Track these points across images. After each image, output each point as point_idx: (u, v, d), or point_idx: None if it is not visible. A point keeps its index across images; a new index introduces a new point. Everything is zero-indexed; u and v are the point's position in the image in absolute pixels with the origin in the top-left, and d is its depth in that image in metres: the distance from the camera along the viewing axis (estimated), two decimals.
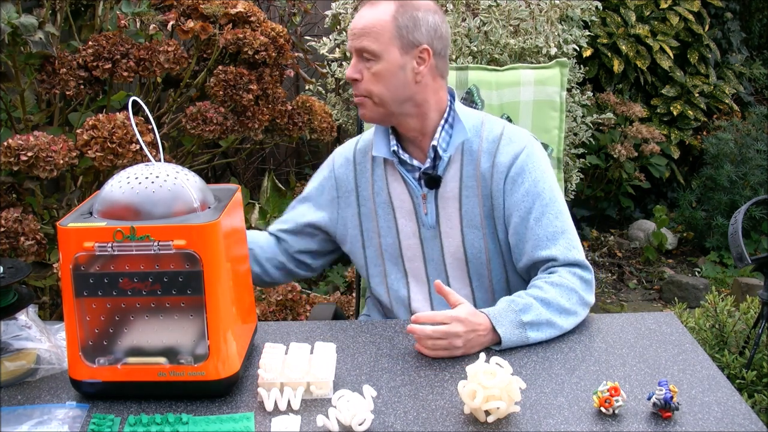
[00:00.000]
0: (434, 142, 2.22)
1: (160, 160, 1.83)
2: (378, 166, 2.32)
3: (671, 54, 6.08)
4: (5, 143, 2.78)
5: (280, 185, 4.46)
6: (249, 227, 3.93)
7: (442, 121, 2.24)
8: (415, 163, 2.26)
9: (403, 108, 2.19)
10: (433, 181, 2.24)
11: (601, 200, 6.18)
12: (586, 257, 2.19)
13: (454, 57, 4.02)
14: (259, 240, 2.42)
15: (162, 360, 1.72)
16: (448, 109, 2.25)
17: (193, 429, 1.64)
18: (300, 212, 2.43)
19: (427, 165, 2.24)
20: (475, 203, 2.24)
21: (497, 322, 1.97)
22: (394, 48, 2.14)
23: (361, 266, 2.39)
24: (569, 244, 2.16)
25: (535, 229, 2.18)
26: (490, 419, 1.64)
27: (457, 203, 2.25)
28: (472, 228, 2.25)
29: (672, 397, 1.64)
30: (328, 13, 4.65)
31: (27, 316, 1.89)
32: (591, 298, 2.13)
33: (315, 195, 2.43)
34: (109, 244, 1.64)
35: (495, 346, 1.98)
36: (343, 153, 2.42)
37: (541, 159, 2.26)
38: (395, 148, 2.26)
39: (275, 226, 2.45)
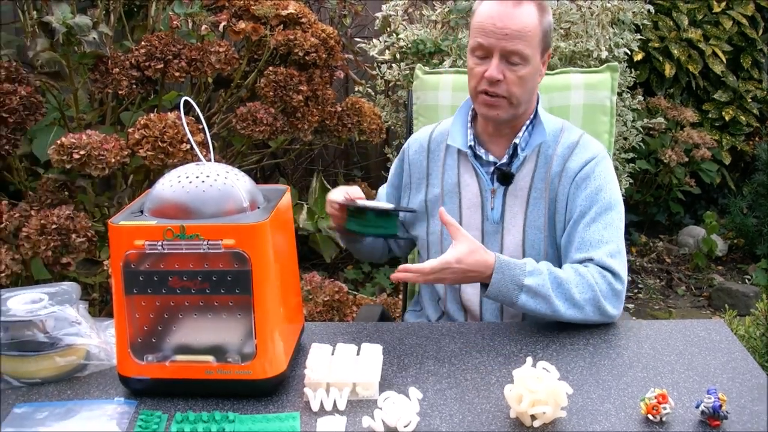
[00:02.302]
0: (516, 140, 2.24)
1: (210, 160, 1.85)
2: (451, 156, 2.34)
3: (724, 58, 6.01)
4: (58, 142, 2.82)
5: (328, 186, 4.47)
6: (297, 228, 3.94)
7: (527, 121, 2.26)
8: (491, 158, 2.28)
9: (523, 109, 2.23)
10: (506, 177, 2.25)
11: (650, 205, 6.13)
12: (634, 263, 2.18)
13: None
14: None
15: (209, 358, 1.73)
16: (534, 110, 2.28)
17: (239, 427, 1.65)
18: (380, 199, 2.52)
19: (504, 161, 2.26)
20: (541, 205, 2.25)
21: (499, 269, 2.02)
22: (537, 52, 2.17)
23: (423, 250, 2.41)
24: (611, 252, 2.14)
25: (582, 232, 2.17)
26: (536, 424, 1.63)
27: (524, 203, 2.26)
28: (535, 229, 2.26)
29: (721, 406, 1.62)
30: (379, 15, 4.65)
31: (77, 313, 1.91)
32: (611, 310, 2.09)
33: (393, 184, 2.51)
34: (159, 243, 1.66)
35: (482, 291, 2.09)
36: (418, 139, 2.45)
37: (608, 170, 2.26)
38: (472, 143, 2.28)
39: None
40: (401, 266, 2.03)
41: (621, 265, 2.15)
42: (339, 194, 2.20)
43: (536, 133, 2.25)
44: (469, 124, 2.31)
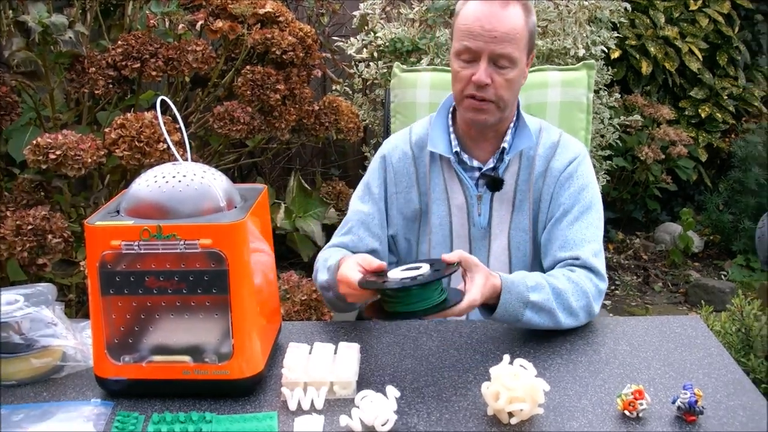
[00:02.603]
0: (504, 144, 2.23)
1: (187, 160, 1.84)
2: (435, 162, 2.30)
3: (700, 56, 6.05)
4: (34, 142, 2.81)
5: (306, 185, 4.47)
6: (274, 227, 3.93)
7: (511, 124, 2.25)
8: (475, 163, 2.26)
9: (508, 112, 2.21)
10: (495, 183, 2.23)
11: (627, 202, 6.15)
12: (611, 260, 2.19)
13: None
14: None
15: (186, 358, 1.73)
16: (516, 112, 2.27)
17: (216, 428, 1.64)
18: (360, 236, 2.31)
19: (490, 166, 2.25)
20: (526, 207, 2.25)
21: (506, 289, 1.95)
22: (524, 54, 2.16)
23: (409, 257, 2.38)
24: (594, 252, 2.15)
25: (565, 231, 2.18)
26: (514, 421, 1.64)
27: (510, 206, 2.26)
28: (521, 231, 2.26)
29: (697, 401, 1.63)
30: (356, 13, 4.65)
31: (53, 314, 1.90)
32: (597, 309, 2.12)
33: (374, 199, 2.33)
34: (136, 243, 1.65)
35: (484, 314, 1.98)
36: (398, 147, 2.35)
37: (590, 169, 2.27)
38: (457, 149, 2.25)
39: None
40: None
41: (603, 264, 2.16)
42: (352, 270, 1.90)
43: (522, 136, 2.23)
44: (451, 129, 2.28)
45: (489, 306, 1.96)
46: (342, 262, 1.98)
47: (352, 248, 2.27)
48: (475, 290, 1.86)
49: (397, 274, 1.83)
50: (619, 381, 1.81)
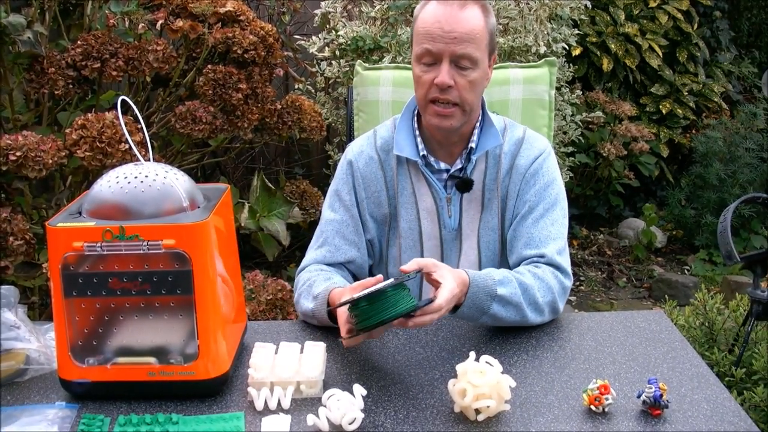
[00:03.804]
0: (472, 145, 2.22)
1: (149, 160, 1.83)
2: (401, 166, 2.28)
3: (660, 53, 6.09)
4: None
5: (269, 184, 4.45)
6: (238, 227, 3.92)
7: (477, 124, 2.24)
8: (443, 165, 2.25)
9: (472, 114, 2.20)
10: (465, 185, 2.23)
11: (590, 199, 6.19)
12: (576, 255, 2.20)
13: None
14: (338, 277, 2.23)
15: (152, 360, 1.72)
16: (481, 112, 2.26)
17: (183, 428, 1.64)
18: (337, 245, 2.29)
19: (457, 167, 2.24)
20: (494, 206, 2.25)
21: (473, 283, 1.96)
22: (485, 55, 2.15)
23: (380, 264, 2.38)
24: (559, 249, 2.17)
25: (530, 228, 2.19)
26: (480, 418, 1.64)
27: (479, 206, 2.26)
28: (489, 230, 2.26)
29: (662, 395, 1.65)
30: (318, 12, 4.65)
31: (16, 316, 1.89)
32: (561, 307, 2.13)
33: (345, 205, 2.30)
34: (98, 244, 1.64)
35: (451, 309, 1.95)
36: (363, 152, 2.33)
37: (555, 165, 2.28)
38: (424, 152, 2.24)
39: (333, 259, 2.28)
40: (420, 312, 1.81)
41: (568, 262, 2.18)
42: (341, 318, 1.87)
43: (488, 136, 2.23)
44: (416, 132, 2.27)
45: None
46: (333, 297, 1.99)
47: (329, 260, 2.26)
48: (448, 283, 1.86)
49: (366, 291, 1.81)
50: (584, 376, 1.82)
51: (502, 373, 1.67)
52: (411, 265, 1.86)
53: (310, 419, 1.62)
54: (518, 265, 2.19)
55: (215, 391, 1.77)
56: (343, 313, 1.85)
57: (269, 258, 4.39)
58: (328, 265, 2.25)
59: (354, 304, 1.79)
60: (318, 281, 2.13)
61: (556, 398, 1.74)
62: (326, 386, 1.76)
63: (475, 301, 1.96)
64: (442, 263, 1.93)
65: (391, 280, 1.80)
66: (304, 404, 1.73)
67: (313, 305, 2.07)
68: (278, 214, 4.38)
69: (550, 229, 2.18)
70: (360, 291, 1.81)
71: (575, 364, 1.90)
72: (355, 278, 2.30)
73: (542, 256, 2.14)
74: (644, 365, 1.88)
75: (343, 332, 1.83)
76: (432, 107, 2.14)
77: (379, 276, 1.89)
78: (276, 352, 1.86)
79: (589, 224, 6.24)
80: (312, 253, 2.29)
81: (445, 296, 1.83)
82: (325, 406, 1.65)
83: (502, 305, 1.99)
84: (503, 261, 2.28)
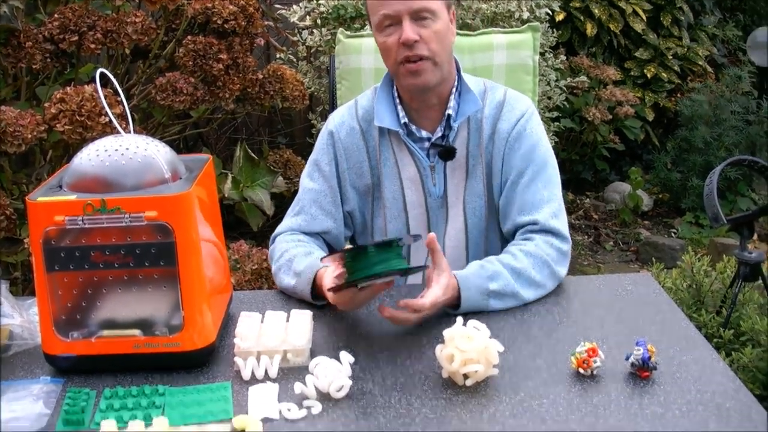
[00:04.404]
0: (449, 111, 2.20)
1: (129, 132, 1.82)
2: (383, 136, 2.27)
3: (644, 17, 6.08)
4: None
5: (252, 155, 4.44)
6: (222, 198, 3.91)
7: (453, 89, 2.22)
8: (424, 134, 2.24)
9: (446, 71, 2.18)
10: (448, 153, 2.21)
11: (576, 163, 6.20)
12: None
13: None
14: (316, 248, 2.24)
15: (136, 332, 1.71)
16: (457, 76, 2.24)
17: (170, 400, 1.63)
18: (313, 215, 2.28)
19: (438, 135, 2.23)
20: (479, 172, 2.23)
21: (464, 287, 1.96)
22: (443, 8, 2.14)
23: (364, 235, 2.38)
24: (553, 212, 2.16)
25: (523, 193, 2.17)
26: (469, 383, 1.64)
27: (464, 173, 2.24)
28: (475, 197, 2.25)
29: (650, 357, 1.65)
30: None
31: None
32: (563, 271, 2.13)
33: (326, 176, 2.29)
34: (80, 218, 1.63)
35: (450, 309, 1.97)
36: (344, 123, 2.31)
37: (539, 125, 2.26)
38: (405, 120, 2.23)
39: (309, 228, 2.28)
40: (402, 302, 1.85)
41: (564, 224, 2.17)
42: (329, 277, 1.92)
43: (467, 102, 2.21)
44: (397, 101, 2.25)
45: (452, 305, 1.98)
46: (321, 280, 1.99)
47: (305, 228, 2.26)
48: (437, 288, 1.89)
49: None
50: (572, 340, 1.81)
51: (490, 338, 1.66)
52: (430, 238, 1.87)
53: (298, 387, 1.62)
54: (514, 233, 2.19)
55: (201, 362, 1.77)
56: (329, 274, 1.89)
57: (253, 228, 4.39)
58: (305, 234, 2.25)
59: (348, 258, 1.80)
60: (299, 256, 2.12)
61: (544, 362, 1.74)
62: (313, 354, 1.75)
63: (471, 303, 1.97)
64: (445, 264, 1.92)
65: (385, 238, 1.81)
66: (291, 373, 1.73)
67: (296, 282, 2.08)
68: (262, 183, 4.38)
69: (543, 192, 2.17)
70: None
71: (563, 327, 1.90)
72: (331, 249, 2.30)
73: (536, 223, 2.14)
74: (632, 328, 1.89)
75: (327, 287, 1.87)
76: (403, 68, 2.13)
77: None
78: (262, 322, 1.86)
79: (575, 189, 6.25)
80: (288, 220, 2.29)
81: (429, 300, 1.85)
82: (312, 374, 1.64)
83: (498, 299, 2.00)
84: (490, 226, 2.27)
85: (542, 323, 1.92)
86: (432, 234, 1.88)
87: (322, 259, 1.91)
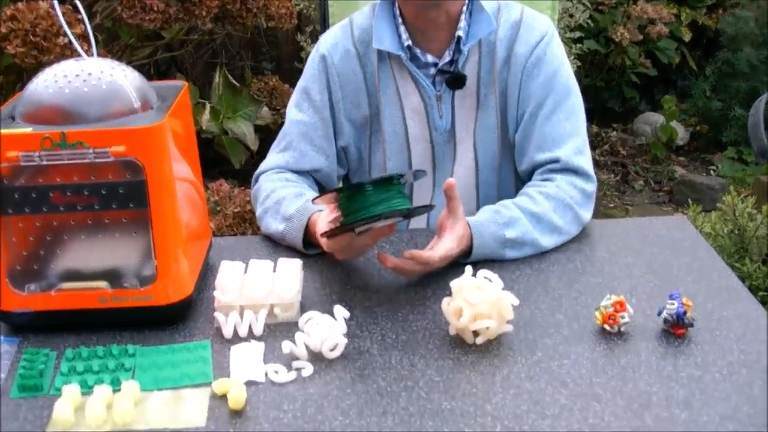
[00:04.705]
0: (459, 33, 2.17)
1: (92, 55, 1.81)
2: (383, 61, 2.24)
3: None
4: None
5: (233, 81, 4.43)
6: (199, 131, 3.90)
7: (464, 7, 2.19)
8: (430, 58, 2.22)
9: None
10: (457, 80, 2.19)
11: (601, 91, 6.17)
12: None
13: None
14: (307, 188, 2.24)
15: (103, 284, 1.71)
16: None
17: (141, 362, 1.64)
18: (302, 152, 2.27)
19: (446, 60, 2.21)
20: (492, 102, 2.22)
21: (477, 235, 1.96)
22: None
23: (360, 172, 2.37)
24: (577, 148, 2.15)
25: (542, 127, 2.16)
26: (479, 340, 1.65)
27: (474, 103, 2.23)
28: (487, 130, 2.24)
29: (685, 312, 1.65)
30: None
31: None
32: (587, 215, 2.13)
33: (317, 107, 2.27)
34: (37, 153, 1.62)
35: (461, 258, 1.96)
36: (338, 45, 2.28)
37: (560, 49, 2.24)
38: (409, 42, 2.20)
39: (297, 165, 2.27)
40: (408, 252, 1.87)
41: (588, 162, 2.16)
42: (323, 221, 1.93)
43: (479, 22, 2.18)
44: (399, 20, 2.21)
45: (463, 254, 1.97)
46: (314, 226, 1.99)
47: (293, 166, 2.24)
48: (451, 237, 1.90)
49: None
50: (597, 292, 1.82)
51: (503, 289, 1.67)
52: (450, 188, 1.88)
53: (286, 346, 1.63)
54: (531, 172, 2.18)
55: (177, 318, 1.78)
56: (323, 218, 1.89)
57: (235, 165, 4.39)
58: (293, 172, 2.24)
59: (342, 199, 1.80)
60: (288, 198, 2.12)
61: (564, 317, 1.75)
62: (303, 309, 1.76)
63: (484, 252, 1.97)
64: (461, 212, 1.93)
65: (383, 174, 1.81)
66: (278, 330, 1.74)
67: (285, 228, 2.08)
68: (244, 114, 4.37)
69: (564, 125, 2.16)
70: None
71: (586, 278, 1.91)
72: (322, 189, 2.29)
73: (557, 161, 2.13)
74: (665, 278, 1.89)
75: (320, 232, 1.86)
76: None
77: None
78: (245, 272, 1.86)
79: (600, 120, 6.23)
80: (273, 157, 2.28)
81: (439, 254, 1.87)
82: (302, 332, 1.65)
83: (515, 248, 2.00)
84: (504, 166, 2.26)
85: (562, 273, 1.93)
86: (451, 180, 1.88)
87: (313, 200, 1.90)
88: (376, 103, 2.26)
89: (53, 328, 1.75)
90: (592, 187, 2.14)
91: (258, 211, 2.19)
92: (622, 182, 5.56)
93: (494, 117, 2.22)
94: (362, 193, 1.75)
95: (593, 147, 5.81)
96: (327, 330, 1.63)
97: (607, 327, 1.67)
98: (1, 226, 1.68)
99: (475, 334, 1.65)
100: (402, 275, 1.90)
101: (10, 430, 1.48)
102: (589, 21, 5.12)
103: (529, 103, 2.18)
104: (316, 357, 1.63)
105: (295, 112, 2.28)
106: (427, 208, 1.96)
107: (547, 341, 1.67)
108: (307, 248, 2.04)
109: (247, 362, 1.63)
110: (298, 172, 2.24)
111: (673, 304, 1.65)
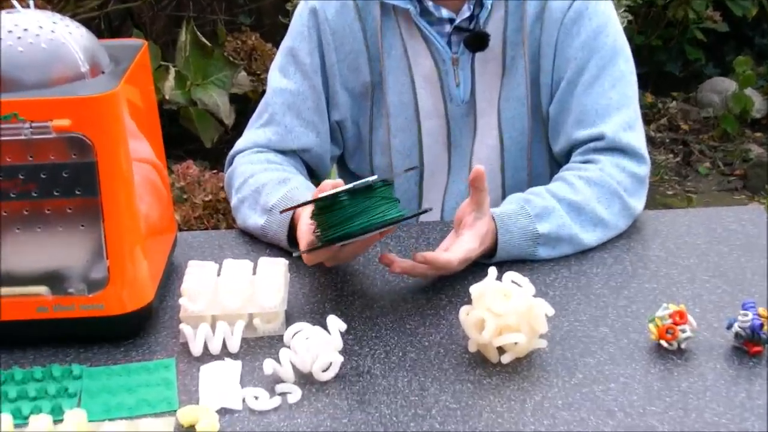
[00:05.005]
0: None
1: (28, 6, 1.81)
2: (388, 16, 2.24)
3: None
4: None
5: (204, 40, 4.44)
6: (162, 100, 3.91)
7: None
8: (445, 13, 2.21)
9: None
10: (478, 40, 2.19)
11: (658, 51, 6.17)
12: None
13: None
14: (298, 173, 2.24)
15: (42, 290, 1.72)
16: None
17: (89, 385, 1.64)
18: (288, 127, 2.26)
19: (465, 16, 2.20)
20: (520, 67, 2.22)
21: (503, 230, 1.96)
22: None
23: (360, 156, 2.37)
24: (626, 122, 2.14)
25: (582, 97, 2.16)
26: (506, 359, 1.65)
27: (499, 68, 2.23)
28: (514, 101, 2.23)
29: (762, 325, 1.64)
30: None
31: None
32: (639, 205, 2.13)
33: (307, 73, 2.26)
34: None
35: (483, 258, 1.96)
36: None
37: (606, 3, 2.23)
38: None
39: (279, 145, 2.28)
40: (421, 255, 1.85)
41: (640, 139, 2.17)
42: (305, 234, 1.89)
43: None
44: None
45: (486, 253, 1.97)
46: (299, 223, 1.96)
47: (277, 145, 2.24)
48: (468, 241, 1.89)
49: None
50: (651, 300, 1.83)
51: (535, 296, 1.67)
52: (477, 179, 1.86)
53: (269, 366, 1.63)
54: (569, 153, 2.18)
55: (133, 331, 1.78)
56: (304, 228, 1.86)
57: (206, 143, 4.40)
58: (276, 152, 2.24)
59: (314, 212, 1.79)
60: (270, 185, 2.11)
61: (611, 331, 1.75)
62: (290, 320, 1.76)
63: (510, 251, 1.97)
64: (487, 207, 1.92)
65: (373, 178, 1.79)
66: (259, 346, 1.75)
67: (266, 222, 2.08)
68: (217, 81, 4.38)
69: (610, 94, 2.16)
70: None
71: (638, 282, 1.91)
72: (311, 173, 2.30)
73: (601, 138, 2.13)
74: (736, 284, 1.89)
75: (302, 245, 1.85)
76: None
77: (338, 180, 1.88)
78: (218, 274, 1.86)
79: (656, 87, 6.23)
80: (252, 134, 2.28)
81: (459, 256, 1.86)
82: (288, 348, 1.65)
83: (550, 246, 2.00)
84: (536, 145, 2.26)
85: (608, 276, 1.93)
86: (480, 168, 1.86)
87: (281, 212, 1.92)
88: (378, 67, 2.25)
89: None
90: (644, 169, 2.14)
91: (233, 201, 2.20)
92: (683, 164, 5.56)
93: (523, 85, 2.22)
94: (338, 204, 1.74)
95: (647, 121, 5.81)
96: (318, 346, 1.63)
97: (664, 343, 1.67)
98: None
99: (501, 351, 1.66)
100: (411, 277, 1.91)
101: None
102: None
103: (566, 68, 2.18)
104: (305, 379, 1.63)
105: (279, 79, 2.28)
106: (422, 214, 1.96)
107: (589, 360, 1.67)
108: (294, 246, 2.01)
109: (221, 385, 1.63)
110: (283, 152, 2.24)
111: (746, 315, 1.65)
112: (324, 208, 1.76)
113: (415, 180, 2.30)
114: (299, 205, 1.85)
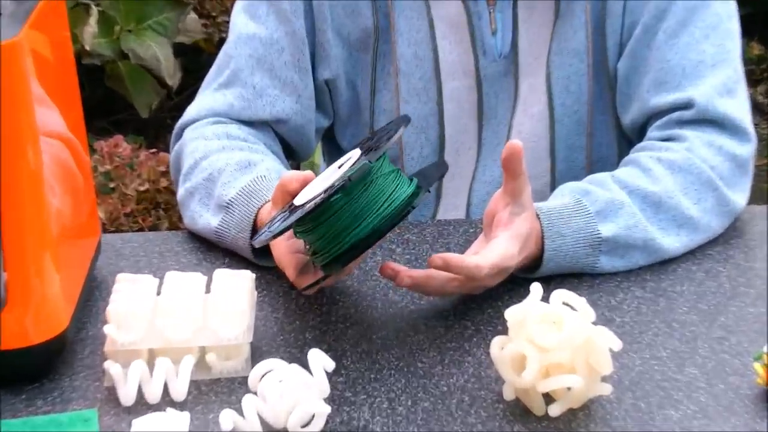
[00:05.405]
0: None
1: None
2: None
3: None
4: None
5: None
6: (80, 52, 3.91)
7: None
8: None
9: None
10: None
11: None
12: None
13: None
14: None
15: None
16: None
17: None
18: (257, 88, 2.24)
19: None
20: (580, 11, 2.21)
21: (551, 232, 1.93)
22: None
23: (355, 124, 2.37)
24: (723, 85, 2.14)
25: (664, 50, 2.16)
26: (554, 410, 1.64)
27: (550, 12, 2.22)
28: (570, 56, 2.24)
29: None
30: None
31: None
32: (740, 199, 2.12)
33: (295, 35, 2.24)
34: None
35: (524, 271, 1.95)
36: None
37: None
38: None
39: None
40: (439, 256, 1.80)
41: (743, 108, 2.16)
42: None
43: None
44: None
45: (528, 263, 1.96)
46: (263, 217, 1.96)
47: (242, 113, 2.22)
48: (504, 245, 1.85)
49: (311, 192, 1.75)
50: (757, 329, 1.83)
51: (595, 323, 1.67)
52: (515, 152, 1.82)
53: (227, 419, 1.62)
54: (644, 127, 2.18)
55: (41, 371, 1.79)
56: (284, 247, 1.84)
57: (142, 112, 4.41)
58: (240, 123, 2.22)
59: (298, 228, 1.76)
60: (228, 170, 2.09)
61: (701, 372, 1.75)
62: (257, 356, 1.76)
63: (563, 260, 1.95)
64: (528, 196, 1.89)
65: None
66: (214, 391, 1.75)
67: (221, 221, 2.07)
68: (157, 26, 4.39)
69: (702, 47, 2.15)
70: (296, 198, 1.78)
71: (738, 305, 1.91)
72: (289, 152, 2.30)
73: (689, 105, 2.12)
74: None
75: (292, 278, 1.82)
76: None
77: (307, 173, 1.84)
78: (158, 292, 1.86)
79: (763, 35, 6.23)
80: (208, 98, 2.27)
81: (490, 262, 1.81)
82: (255, 394, 1.65)
83: (616, 254, 1.99)
84: (598, 115, 2.26)
85: (698, 297, 1.94)
86: (516, 143, 1.82)
87: (252, 239, 1.90)
88: (385, 10, 2.24)
89: None
90: (748, 150, 2.13)
91: (180, 191, 2.18)
92: None
93: (583, 36, 2.21)
94: (330, 210, 1.70)
95: (754, 81, 5.83)
96: (296, 391, 1.63)
97: None
98: None
99: (548, 399, 1.65)
100: (425, 295, 1.89)
101: None
102: None
103: (643, 11, 2.17)
104: None
105: (245, 22, 2.26)
106: (441, 168, 1.93)
107: (671, 413, 1.66)
108: (260, 258, 2.01)
109: None
110: (250, 123, 2.22)
111: None
112: (309, 220, 1.70)
113: (429, 160, 2.28)
114: (278, 234, 1.74)
